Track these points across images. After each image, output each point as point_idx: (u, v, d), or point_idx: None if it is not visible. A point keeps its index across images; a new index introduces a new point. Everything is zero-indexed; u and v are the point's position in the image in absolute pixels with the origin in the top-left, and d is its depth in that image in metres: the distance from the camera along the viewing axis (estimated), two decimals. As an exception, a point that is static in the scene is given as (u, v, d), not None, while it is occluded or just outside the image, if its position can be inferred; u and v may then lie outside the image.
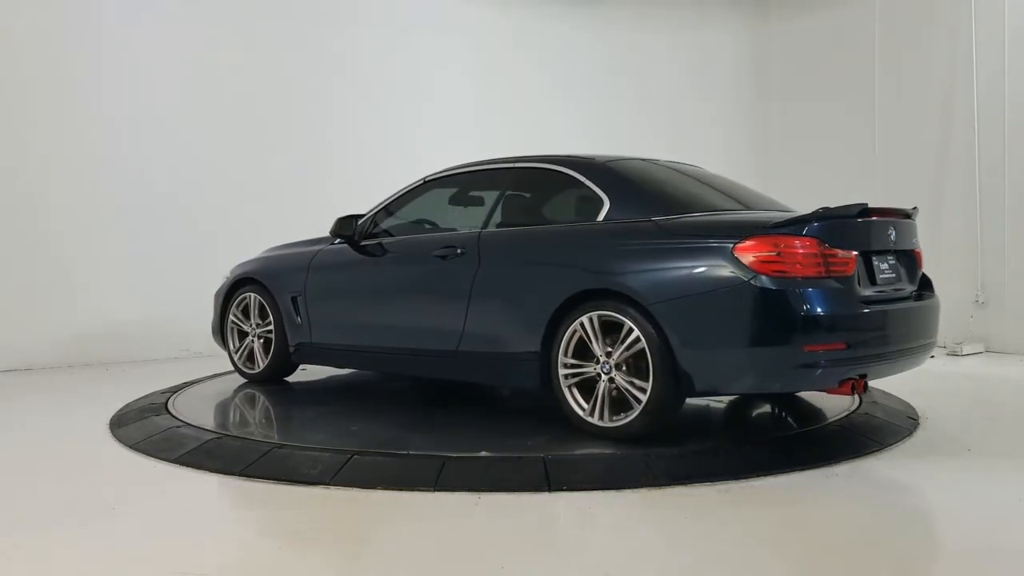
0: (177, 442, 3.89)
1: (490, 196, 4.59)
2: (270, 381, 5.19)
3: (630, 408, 3.61)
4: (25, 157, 6.48)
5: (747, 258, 3.43)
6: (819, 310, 3.42)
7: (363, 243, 4.74)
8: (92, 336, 6.65)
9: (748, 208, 4.06)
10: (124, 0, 6.84)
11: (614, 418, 3.66)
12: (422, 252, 4.44)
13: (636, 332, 3.56)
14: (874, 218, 3.78)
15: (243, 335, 5.28)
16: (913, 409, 4.60)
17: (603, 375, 3.68)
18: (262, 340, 5.16)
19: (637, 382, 3.58)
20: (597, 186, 4.03)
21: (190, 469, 3.58)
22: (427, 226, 4.87)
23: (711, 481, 3.31)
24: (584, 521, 2.94)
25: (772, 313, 3.42)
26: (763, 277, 3.40)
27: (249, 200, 7.21)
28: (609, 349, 3.67)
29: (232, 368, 5.42)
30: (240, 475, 3.46)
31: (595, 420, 3.70)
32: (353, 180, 7.54)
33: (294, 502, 3.17)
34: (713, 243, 3.54)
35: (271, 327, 5.07)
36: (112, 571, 2.54)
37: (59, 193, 6.57)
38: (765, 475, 3.39)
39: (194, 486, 3.43)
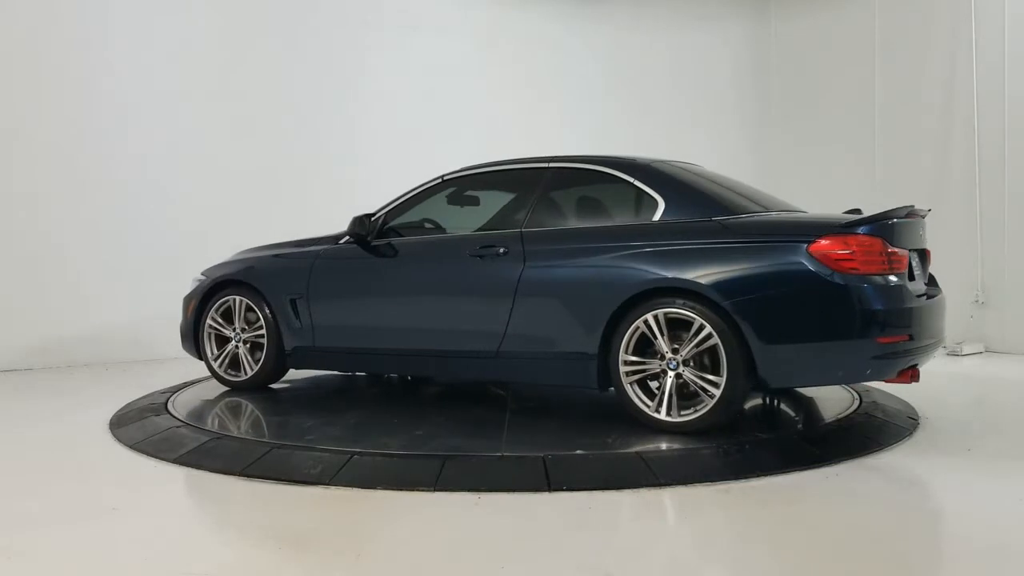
0: (177, 442, 3.89)
1: (518, 196, 4.59)
2: (256, 388, 4.97)
3: (695, 403, 3.75)
4: (24, 157, 6.48)
5: (823, 256, 3.62)
6: (891, 304, 3.67)
7: (375, 243, 4.60)
8: (92, 336, 6.65)
9: (769, 208, 4.18)
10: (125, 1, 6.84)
11: (683, 413, 3.76)
12: (456, 251, 4.38)
13: (708, 329, 3.67)
14: (913, 218, 4.02)
15: (223, 340, 5.02)
16: (913, 409, 4.61)
17: (670, 371, 3.77)
18: (248, 345, 4.93)
19: (710, 377, 3.69)
20: (649, 187, 4.12)
21: (190, 469, 3.59)
22: (446, 225, 4.76)
23: (711, 481, 3.32)
24: (584, 521, 2.94)
25: (851, 308, 3.61)
26: (839, 274, 3.60)
27: (249, 200, 7.20)
28: (676, 346, 3.75)
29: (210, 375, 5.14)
30: (240, 475, 3.46)
31: (662, 416, 3.78)
32: (353, 181, 7.55)
33: (294, 502, 3.18)
34: (786, 242, 3.71)
35: (261, 332, 4.86)
36: (112, 571, 2.54)
37: (59, 192, 6.57)
38: (765, 475, 3.39)
39: (194, 486, 3.43)
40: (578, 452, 3.58)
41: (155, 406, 4.59)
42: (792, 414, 4.38)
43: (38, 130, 6.51)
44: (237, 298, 4.95)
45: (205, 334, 5.05)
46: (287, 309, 4.78)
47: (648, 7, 9.02)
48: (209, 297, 5.05)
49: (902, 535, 2.83)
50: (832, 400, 4.60)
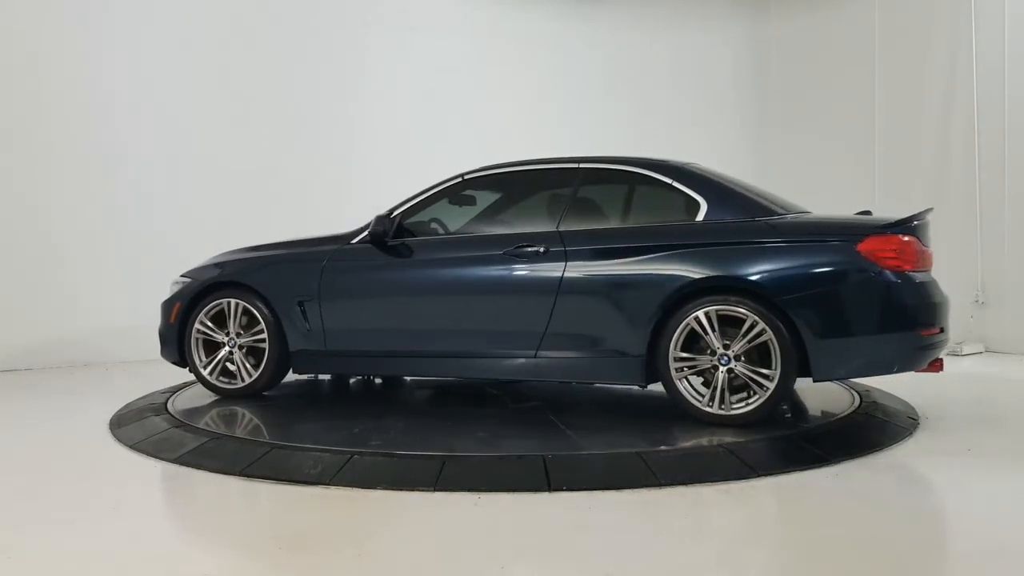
0: (177, 442, 3.89)
1: (547, 196, 4.62)
2: (254, 396, 4.75)
3: (743, 397, 3.92)
4: (24, 158, 6.48)
5: (870, 254, 3.85)
6: (931, 299, 3.96)
7: (392, 242, 4.49)
8: (92, 336, 6.65)
9: (787, 209, 4.33)
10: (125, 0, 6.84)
11: (735, 406, 3.90)
12: (490, 251, 4.32)
13: (761, 324, 3.83)
14: (927, 220, 4.25)
15: (212, 346, 4.77)
16: (913, 409, 4.61)
17: (721, 366, 3.89)
18: (243, 350, 4.71)
19: (763, 371, 3.84)
20: (689, 188, 4.24)
21: (190, 469, 3.58)
22: (467, 225, 4.68)
23: (711, 481, 3.32)
24: (584, 521, 2.94)
25: (901, 302, 3.88)
26: (887, 272, 3.85)
27: (249, 200, 7.21)
28: (727, 341, 3.89)
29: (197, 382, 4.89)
30: (240, 475, 3.46)
31: (715, 409, 3.91)
32: (353, 180, 7.56)
33: (294, 502, 3.17)
34: (834, 241, 3.94)
35: (260, 336, 4.65)
36: (112, 571, 2.54)
37: (58, 193, 6.57)
38: (765, 475, 3.39)
39: (194, 486, 3.43)
40: (578, 452, 3.58)
41: (155, 406, 4.59)
42: (792, 414, 4.38)
43: (38, 131, 6.51)
44: (232, 301, 4.70)
45: (193, 340, 4.77)
46: (293, 312, 4.59)
47: (648, 7, 9.02)
48: (197, 300, 4.79)
49: (902, 535, 2.83)
50: (832, 400, 4.60)
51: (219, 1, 7.21)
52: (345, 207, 7.27)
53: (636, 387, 4.45)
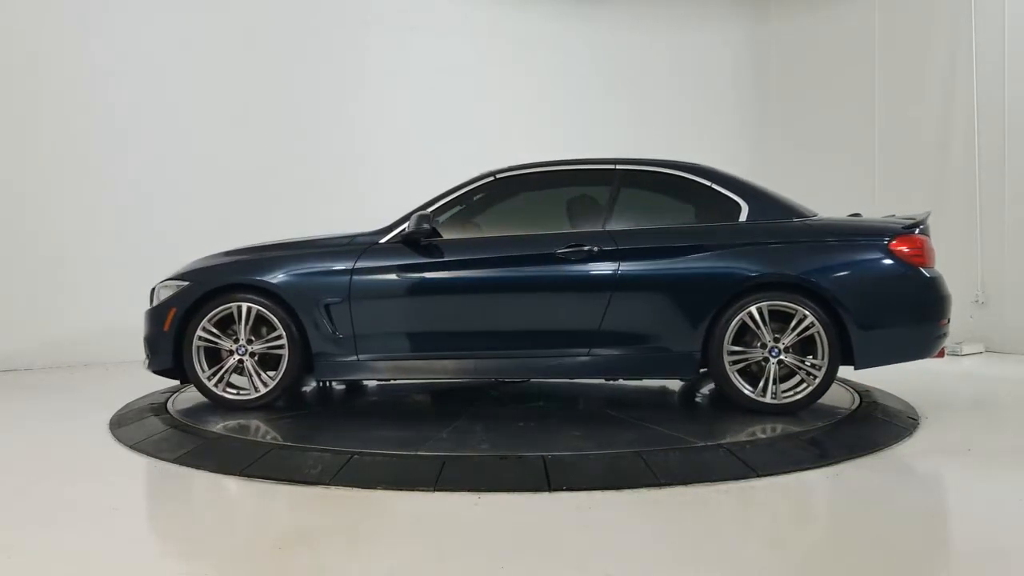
0: (177, 442, 3.89)
1: (584, 196, 4.66)
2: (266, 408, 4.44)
3: (792, 386, 4.22)
4: (24, 158, 6.48)
5: (901, 252, 4.24)
6: (945, 292, 4.33)
7: (426, 242, 4.36)
8: (91, 336, 6.65)
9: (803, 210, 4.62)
10: (124, 0, 6.84)
11: (784, 395, 4.19)
12: (538, 250, 4.30)
13: (811, 318, 4.13)
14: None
15: (213, 355, 4.45)
16: (913, 409, 4.61)
17: (771, 358, 4.17)
18: (255, 358, 4.41)
19: (813, 361, 4.17)
20: (728, 190, 4.47)
21: (190, 469, 3.58)
22: (501, 225, 4.62)
23: (711, 481, 3.32)
24: (584, 521, 2.94)
25: (931, 295, 4.28)
26: (916, 268, 4.25)
27: (249, 200, 7.21)
28: (777, 335, 4.17)
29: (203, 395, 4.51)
30: (240, 475, 3.46)
31: (767, 399, 4.19)
32: (353, 180, 7.56)
33: (294, 502, 3.17)
34: (869, 240, 4.29)
35: (277, 342, 4.36)
36: (112, 571, 2.54)
37: (58, 193, 6.57)
38: (765, 475, 3.39)
39: (194, 486, 3.43)
40: (578, 452, 3.58)
41: (155, 406, 4.59)
42: (792, 414, 4.38)
43: (37, 132, 6.52)
44: (245, 305, 4.37)
45: (194, 348, 4.42)
46: (319, 315, 4.33)
47: (648, 7, 9.03)
48: (199, 305, 4.43)
49: (902, 535, 2.83)
50: (832, 400, 4.60)
51: (219, 1, 7.22)
52: (345, 207, 7.30)
53: (632, 383, 4.62)
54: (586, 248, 4.26)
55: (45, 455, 3.98)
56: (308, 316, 4.35)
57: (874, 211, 6.58)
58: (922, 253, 4.28)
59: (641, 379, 4.88)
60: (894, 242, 4.25)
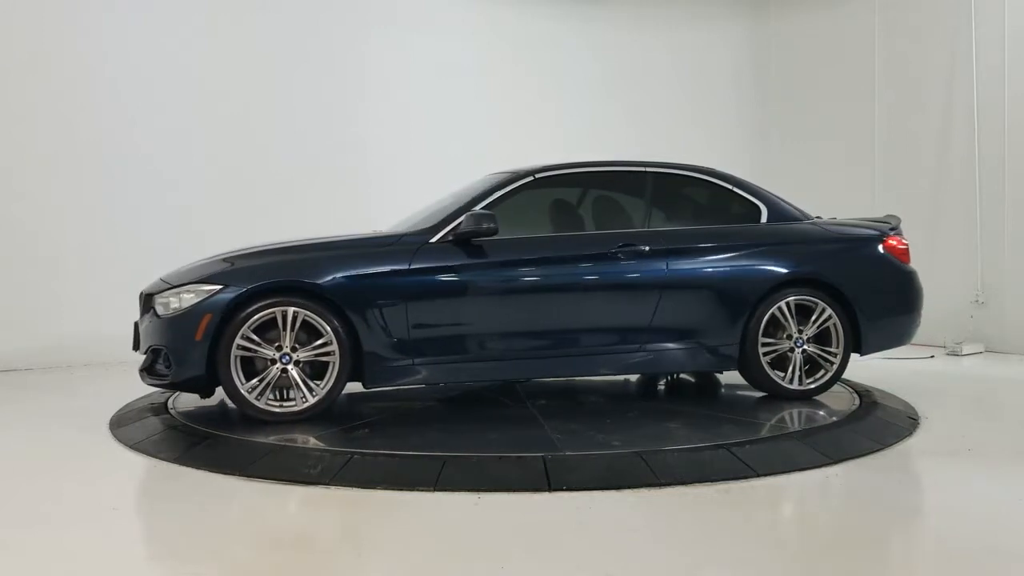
0: (177, 442, 3.89)
1: (620, 197, 4.89)
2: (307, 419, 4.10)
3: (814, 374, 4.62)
4: (24, 158, 6.47)
5: (893, 250, 4.80)
6: (921, 286, 4.87)
7: (477, 241, 4.27)
8: (91, 336, 6.64)
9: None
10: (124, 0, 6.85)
11: (807, 381, 4.57)
12: (592, 249, 4.45)
13: (829, 311, 4.54)
14: None
15: (248, 364, 4.06)
16: (913, 409, 4.61)
17: (797, 348, 4.54)
18: (300, 366, 4.09)
19: (831, 350, 4.57)
20: (748, 194, 4.84)
21: (190, 469, 3.58)
22: (545, 223, 4.80)
23: (711, 481, 3.32)
24: (584, 521, 2.94)
25: (916, 288, 4.83)
26: (905, 265, 4.82)
27: (249, 200, 7.20)
28: (801, 327, 4.54)
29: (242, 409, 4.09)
30: (240, 475, 3.46)
31: (795, 386, 4.56)
32: (354, 180, 7.55)
33: (294, 502, 3.18)
34: (867, 239, 4.82)
35: (326, 348, 4.07)
36: (112, 571, 2.54)
37: (58, 192, 6.57)
38: (765, 475, 3.39)
39: (194, 486, 3.43)
40: (578, 452, 3.58)
41: (155, 406, 4.59)
42: (792, 414, 4.38)
43: (37, 131, 6.51)
44: (292, 309, 4.02)
45: (232, 357, 4.01)
46: (373, 319, 4.11)
47: (648, 7, 9.02)
48: (237, 310, 4.01)
49: (903, 535, 2.83)
50: (832, 400, 4.60)
51: (219, 1, 7.21)
52: (345, 207, 7.30)
53: (629, 381, 4.81)
54: (638, 247, 4.43)
55: (45, 455, 3.98)
56: (361, 319, 4.09)
57: (874, 211, 6.59)
58: (906, 251, 4.85)
59: (683, 373, 5.29)
60: (886, 241, 4.79)
